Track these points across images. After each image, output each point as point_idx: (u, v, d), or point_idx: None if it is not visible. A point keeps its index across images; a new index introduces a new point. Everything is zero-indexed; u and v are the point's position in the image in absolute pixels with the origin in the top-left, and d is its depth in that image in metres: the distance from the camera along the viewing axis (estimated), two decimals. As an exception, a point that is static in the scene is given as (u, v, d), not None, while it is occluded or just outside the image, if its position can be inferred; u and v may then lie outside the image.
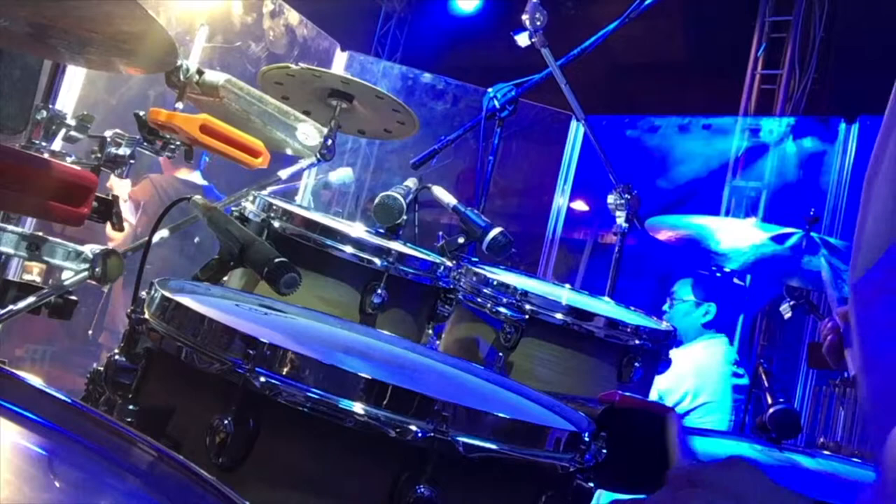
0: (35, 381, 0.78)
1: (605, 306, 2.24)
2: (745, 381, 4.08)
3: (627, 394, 1.32)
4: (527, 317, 1.86)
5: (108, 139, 2.06)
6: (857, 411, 3.21)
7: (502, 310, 1.88)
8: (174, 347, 1.08)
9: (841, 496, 1.50)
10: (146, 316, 1.15)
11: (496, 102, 2.78)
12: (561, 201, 6.46)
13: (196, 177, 5.24)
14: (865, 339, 0.86)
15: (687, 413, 3.86)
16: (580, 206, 6.81)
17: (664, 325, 2.09)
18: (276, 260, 1.37)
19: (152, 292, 1.19)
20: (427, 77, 7.13)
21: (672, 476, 0.94)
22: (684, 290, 4.20)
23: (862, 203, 0.85)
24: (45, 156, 1.97)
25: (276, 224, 1.84)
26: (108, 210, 1.96)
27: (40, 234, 2.00)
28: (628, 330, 1.91)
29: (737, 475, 0.85)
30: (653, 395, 2.17)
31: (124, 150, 2.06)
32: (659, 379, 3.72)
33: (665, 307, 4.13)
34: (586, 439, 1.14)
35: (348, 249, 1.82)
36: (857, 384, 0.87)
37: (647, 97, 8.65)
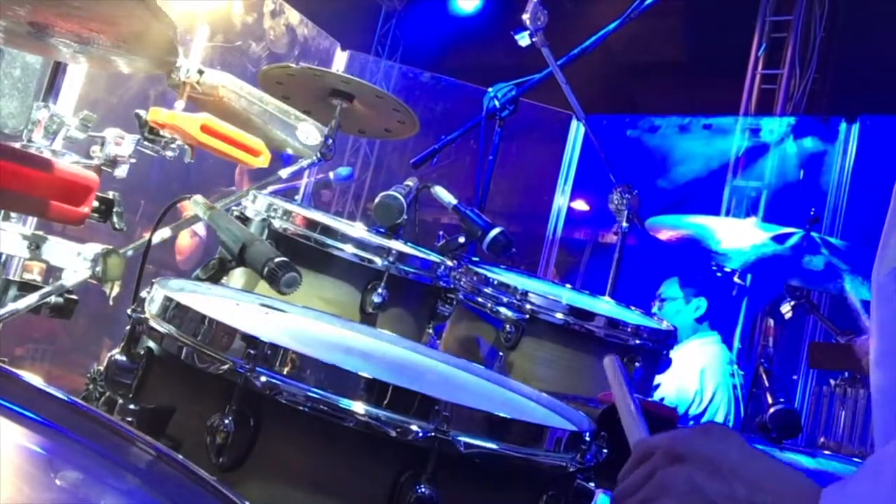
0: (35, 380, 0.78)
1: (605, 306, 2.24)
2: (738, 380, 4.08)
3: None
4: (527, 316, 1.86)
5: (109, 139, 2.06)
6: (858, 411, 3.21)
7: (503, 309, 1.88)
8: (175, 347, 1.08)
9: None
10: (147, 315, 1.15)
11: (496, 102, 2.78)
12: (561, 201, 6.46)
13: None
14: (884, 334, 0.85)
15: (699, 415, 3.86)
16: (580, 206, 6.81)
17: (665, 325, 2.08)
18: (277, 259, 1.37)
19: (153, 292, 1.19)
20: (427, 77, 7.13)
21: (641, 449, 0.88)
22: (672, 290, 4.19)
23: (892, 202, 0.85)
24: (46, 155, 1.97)
25: (277, 223, 1.84)
26: (108, 210, 1.96)
27: (41, 233, 2.00)
28: (628, 329, 1.90)
29: (716, 444, 0.81)
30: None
31: (125, 150, 2.06)
32: (664, 385, 3.73)
33: (654, 310, 4.11)
34: (587, 439, 1.14)
35: (349, 249, 1.82)
36: (870, 377, 0.87)
37: (647, 97, 8.65)
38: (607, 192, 2.76)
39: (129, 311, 1.18)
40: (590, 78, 4.18)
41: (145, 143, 2.06)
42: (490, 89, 2.82)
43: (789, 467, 0.81)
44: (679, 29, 7.48)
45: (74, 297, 2.01)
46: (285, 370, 1.01)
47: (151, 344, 1.14)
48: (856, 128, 5.39)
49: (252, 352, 1.01)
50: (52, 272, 2.02)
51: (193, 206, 1.58)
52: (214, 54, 5.71)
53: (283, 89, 2.39)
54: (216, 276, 1.51)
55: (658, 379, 3.62)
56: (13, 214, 2.01)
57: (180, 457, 0.74)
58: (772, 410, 1.92)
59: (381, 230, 2.04)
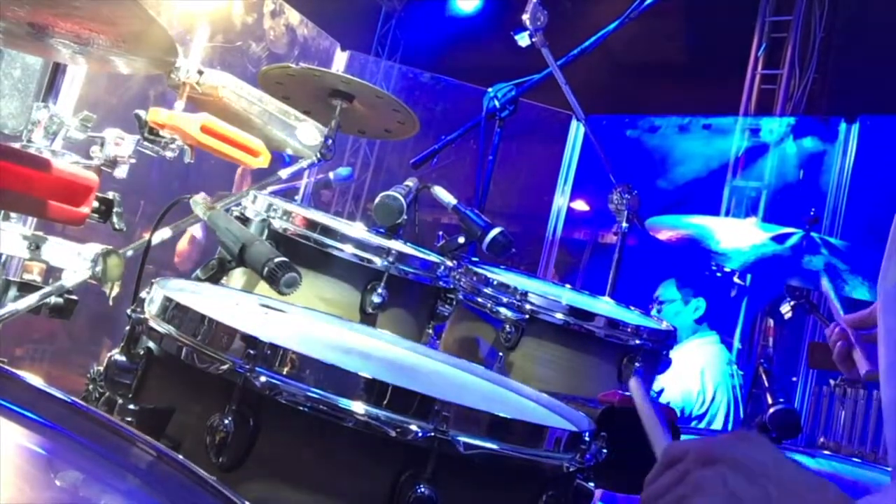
0: (35, 380, 0.78)
1: (605, 306, 2.24)
2: (738, 380, 4.09)
3: (628, 394, 1.32)
4: (527, 316, 1.86)
5: (108, 139, 2.06)
6: (857, 411, 3.21)
7: (502, 310, 1.88)
8: (174, 347, 1.08)
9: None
10: (146, 316, 1.15)
11: (496, 102, 2.78)
12: (561, 201, 6.46)
13: None
14: (892, 342, 0.85)
15: (701, 416, 3.87)
16: (580, 206, 6.81)
17: (664, 325, 2.08)
18: (277, 259, 1.37)
19: (152, 292, 1.19)
20: (427, 77, 7.14)
21: (670, 453, 0.88)
22: (670, 292, 4.19)
23: None
24: (45, 156, 1.97)
25: (277, 224, 1.84)
26: (108, 210, 1.96)
27: (41, 233, 2.00)
28: (628, 330, 1.90)
29: (748, 448, 0.82)
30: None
31: (124, 150, 2.06)
32: (668, 389, 3.72)
33: (653, 313, 4.11)
34: (586, 439, 1.14)
35: (349, 249, 1.82)
36: (881, 388, 0.87)
37: (647, 97, 8.63)
38: (607, 193, 2.75)
39: (128, 312, 1.18)
40: (590, 78, 4.18)
41: (145, 143, 2.06)
42: (490, 89, 2.82)
43: (821, 477, 0.81)
44: (679, 29, 7.47)
45: (74, 297, 2.01)
46: (285, 370, 1.01)
47: (151, 344, 1.14)
48: (855, 128, 5.38)
49: (252, 352, 1.01)
50: (52, 272, 2.02)
51: (193, 206, 1.58)
52: (214, 54, 5.72)
53: (283, 89, 2.39)
54: (216, 276, 1.51)
55: (660, 382, 3.62)
56: (13, 214, 2.02)
57: (180, 457, 0.74)
58: (771, 410, 1.92)
59: (381, 230, 2.04)
